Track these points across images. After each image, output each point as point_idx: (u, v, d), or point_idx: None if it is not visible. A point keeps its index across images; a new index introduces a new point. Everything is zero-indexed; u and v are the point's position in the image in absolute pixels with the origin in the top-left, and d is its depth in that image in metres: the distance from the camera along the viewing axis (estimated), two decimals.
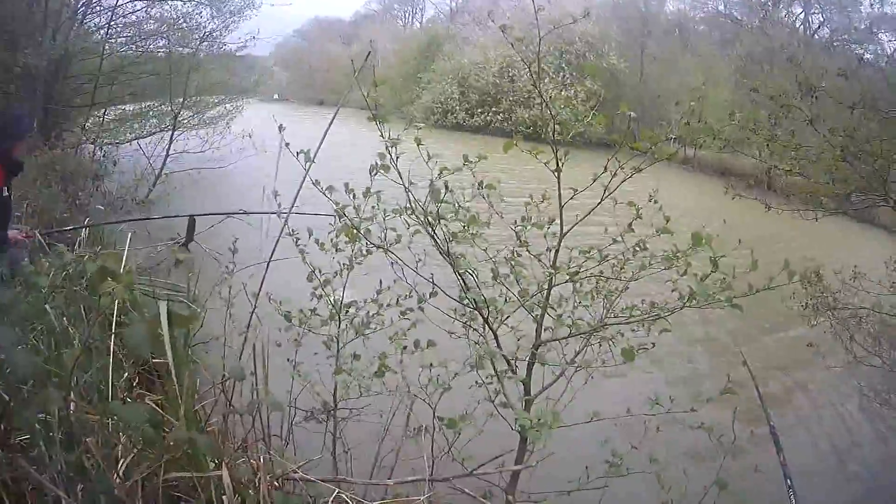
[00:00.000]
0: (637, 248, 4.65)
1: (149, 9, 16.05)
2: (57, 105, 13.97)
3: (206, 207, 9.60)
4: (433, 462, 4.83)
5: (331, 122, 5.07)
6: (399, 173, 4.40)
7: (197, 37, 16.34)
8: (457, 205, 4.42)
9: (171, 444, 2.85)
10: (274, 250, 5.29)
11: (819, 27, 45.94)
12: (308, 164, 4.76)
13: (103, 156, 14.12)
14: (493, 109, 47.51)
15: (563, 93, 41.29)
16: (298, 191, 4.98)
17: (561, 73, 43.60)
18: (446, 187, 4.33)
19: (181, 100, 15.19)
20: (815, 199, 8.15)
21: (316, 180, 4.75)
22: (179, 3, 16.28)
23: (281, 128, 5.07)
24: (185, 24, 16.31)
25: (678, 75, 43.62)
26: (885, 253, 9.74)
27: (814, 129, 7.39)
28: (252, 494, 3.23)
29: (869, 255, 13.87)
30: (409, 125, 4.57)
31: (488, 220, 4.70)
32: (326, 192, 4.74)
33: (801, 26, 46.07)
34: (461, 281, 4.51)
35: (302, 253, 5.41)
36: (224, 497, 2.82)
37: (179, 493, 2.91)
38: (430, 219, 4.31)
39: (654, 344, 4.67)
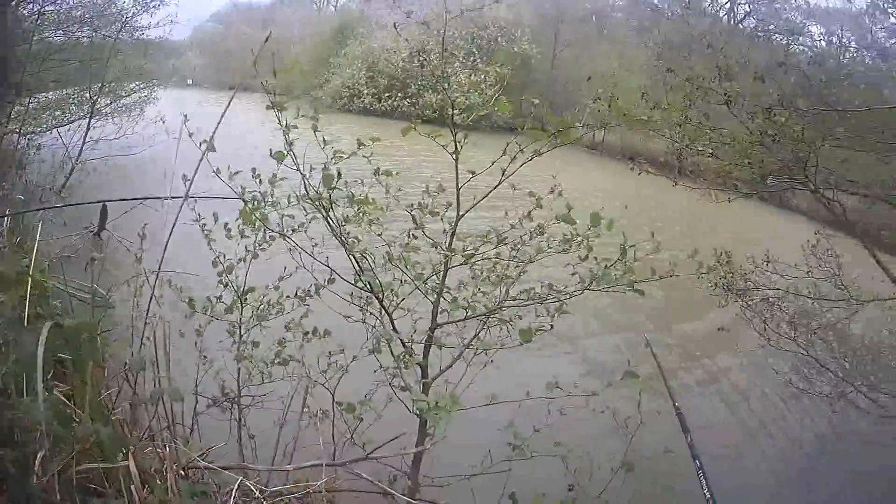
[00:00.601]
0: (536, 233, 4.63)
1: None
2: None
3: (122, 195, 9.46)
4: (334, 447, 4.83)
5: (225, 109, 4.98)
6: (295, 159, 4.37)
7: (119, 22, 15.94)
8: (349, 189, 4.37)
9: (80, 435, 2.81)
10: (169, 237, 5.16)
11: (745, 17, 46.52)
12: (206, 150, 4.66)
13: (27, 144, 13.72)
14: (401, 94, 47.48)
15: (472, 77, 41.45)
16: (193, 177, 4.87)
17: (472, 58, 43.77)
18: (339, 175, 4.35)
19: (99, 86, 14.86)
20: (727, 181, 8.22)
21: (217, 168, 4.73)
22: None
23: (186, 117, 4.96)
24: (108, 11, 15.88)
25: (592, 62, 44.09)
26: (802, 237, 9.87)
27: (731, 112, 7.44)
28: (160, 484, 3.18)
29: (786, 240, 14.14)
30: (308, 111, 4.49)
31: (385, 206, 4.74)
32: (232, 177, 4.78)
33: (726, 16, 46.60)
34: (356, 265, 4.47)
35: (208, 239, 5.37)
36: (132, 487, 2.77)
37: (94, 485, 2.86)
38: (323, 203, 4.24)
39: (552, 325, 4.70)
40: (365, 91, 48.67)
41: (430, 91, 43.64)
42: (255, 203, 4.61)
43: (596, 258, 4.48)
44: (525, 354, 4.96)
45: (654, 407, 7.73)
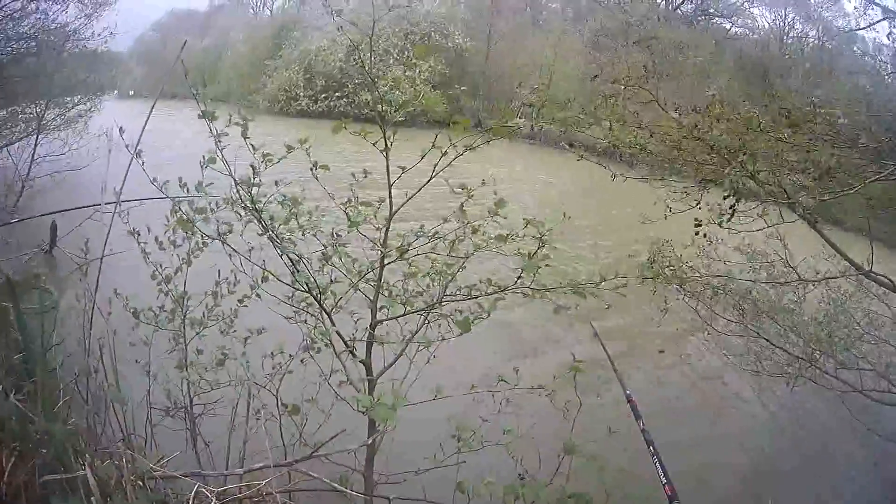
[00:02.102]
0: (471, 229, 4.65)
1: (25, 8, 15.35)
2: None
3: (73, 212, 9.29)
4: (285, 448, 4.87)
5: (148, 117, 5.01)
6: (226, 164, 4.37)
7: (62, 34, 15.76)
8: (281, 192, 4.41)
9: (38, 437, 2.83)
10: (104, 249, 5.16)
11: (683, 2, 46.56)
12: (131, 160, 4.73)
13: None
14: (337, 94, 47.41)
15: (406, 73, 41.53)
16: (122, 186, 4.88)
17: (405, 54, 43.77)
18: (252, 182, 4.37)
19: (45, 102, 14.67)
20: (662, 171, 8.24)
21: (155, 178, 4.76)
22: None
23: (121, 130, 4.96)
24: (54, 25, 15.68)
25: (526, 53, 44.29)
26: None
27: (662, 109, 7.46)
28: (118, 494, 3.20)
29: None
30: (243, 117, 4.47)
31: (314, 209, 4.74)
32: (163, 186, 4.74)
33: (663, 1, 46.61)
34: (292, 265, 4.47)
35: (142, 250, 5.45)
36: (92, 498, 2.80)
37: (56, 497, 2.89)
38: (255, 205, 4.27)
39: (488, 314, 4.71)
40: (301, 93, 48.49)
41: (365, 89, 43.74)
42: (183, 209, 4.68)
43: (519, 251, 4.48)
44: (471, 347, 4.99)
45: (607, 395, 7.84)
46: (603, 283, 4.32)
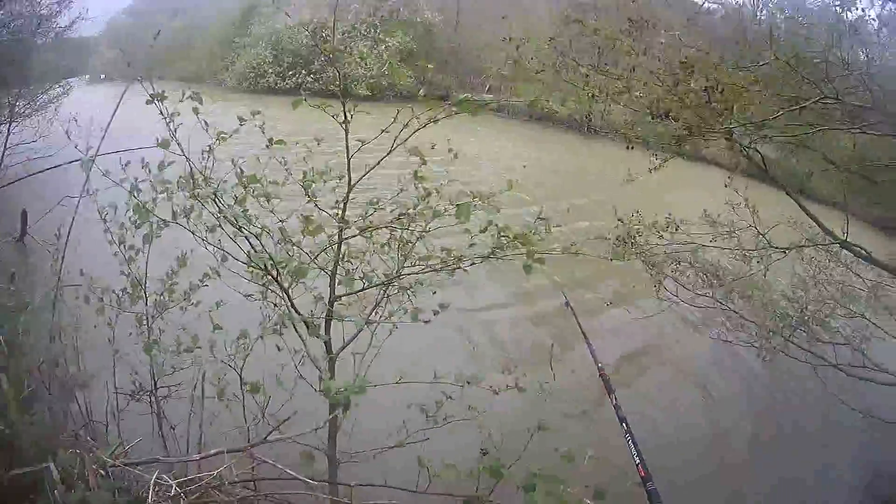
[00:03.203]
0: (428, 191, 4.63)
1: None
2: None
3: (45, 198, 9.18)
4: (248, 430, 4.82)
5: (119, 101, 4.96)
6: (179, 145, 4.39)
7: (35, 22, 15.54)
8: (239, 169, 4.38)
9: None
10: (70, 232, 5.11)
11: None
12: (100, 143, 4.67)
13: None
14: (304, 71, 47.13)
15: (374, 49, 41.38)
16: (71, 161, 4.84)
17: (375, 30, 43.54)
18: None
19: (17, 90, 14.45)
20: (635, 135, 8.15)
21: (127, 161, 4.78)
22: None
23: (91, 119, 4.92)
24: (27, 12, 15.46)
25: (497, 26, 44.09)
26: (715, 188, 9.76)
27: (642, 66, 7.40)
28: (80, 485, 3.15)
29: (701, 190, 14.18)
30: (212, 97, 4.44)
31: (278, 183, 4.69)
32: (125, 168, 4.75)
33: None
34: (248, 244, 4.49)
35: (110, 234, 5.35)
36: (56, 491, 2.74)
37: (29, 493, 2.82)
38: (208, 185, 4.24)
39: (447, 306, 4.81)
40: (269, 70, 48.21)
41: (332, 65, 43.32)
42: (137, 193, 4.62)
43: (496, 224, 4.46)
44: (436, 321, 4.91)
45: (578, 372, 7.81)
46: (559, 248, 4.31)
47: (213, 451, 4.26)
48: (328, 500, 4.53)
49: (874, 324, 8.59)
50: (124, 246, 5.31)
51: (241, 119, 4.48)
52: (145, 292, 5.27)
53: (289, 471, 4.21)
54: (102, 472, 3.57)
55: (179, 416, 5.53)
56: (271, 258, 4.52)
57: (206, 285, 5.25)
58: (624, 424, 5.93)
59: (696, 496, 7.58)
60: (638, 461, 5.58)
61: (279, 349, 4.90)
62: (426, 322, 4.61)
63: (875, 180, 7.90)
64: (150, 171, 4.71)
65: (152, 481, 3.66)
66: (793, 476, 8.23)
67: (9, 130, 13.05)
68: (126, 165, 4.75)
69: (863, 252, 7.58)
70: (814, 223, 7.68)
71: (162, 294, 5.36)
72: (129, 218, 5.10)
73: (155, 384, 5.45)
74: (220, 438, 4.98)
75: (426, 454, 4.59)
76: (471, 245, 4.57)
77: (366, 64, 4.24)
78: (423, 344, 6.55)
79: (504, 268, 4.65)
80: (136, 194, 4.64)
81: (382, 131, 4.38)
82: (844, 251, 8.15)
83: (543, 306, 11.81)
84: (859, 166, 7.79)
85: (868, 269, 8.90)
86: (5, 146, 13.03)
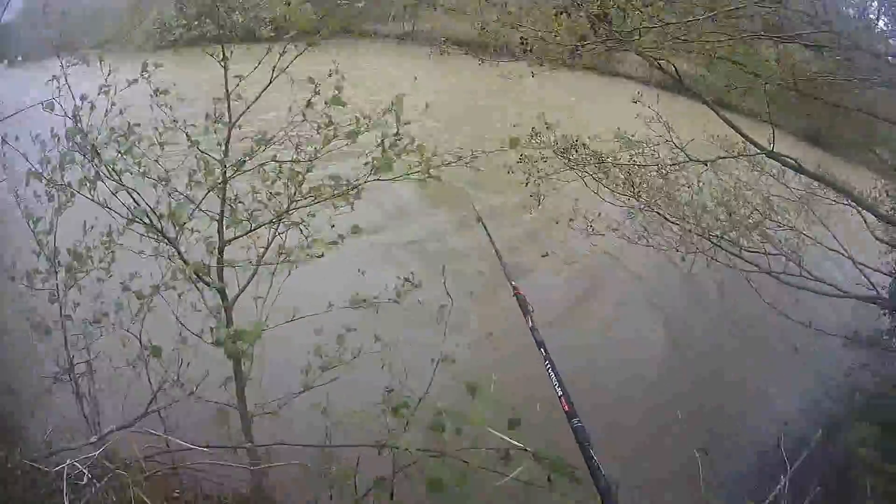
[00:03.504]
0: (322, 125, 4.56)
1: None
2: None
3: None
4: (154, 395, 4.70)
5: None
6: (62, 107, 4.40)
7: None
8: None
9: None
10: None
11: None
12: None
13: None
14: (207, 20, 46.51)
15: None
16: None
17: None
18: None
19: None
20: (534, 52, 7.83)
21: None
22: None
23: None
24: None
25: None
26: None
27: None
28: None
29: (615, 104, 13.92)
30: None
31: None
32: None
33: None
34: (131, 197, 4.44)
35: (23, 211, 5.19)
36: None
37: None
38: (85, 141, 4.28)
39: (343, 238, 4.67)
40: (174, 23, 47.78)
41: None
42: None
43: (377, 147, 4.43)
44: (335, 255, 4.73)
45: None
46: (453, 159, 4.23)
47: (106, 430, 4.13)
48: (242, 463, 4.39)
49: (806, 235, 8.55)
50: (32, 220, 5.16)
51: (144, 67, 4.49)
52: (54, 265, 5.13)
53: (181, 441, 3.88)
54: (19, 470, 3.37)
55: (102, 389, 5.39)
56: (152, 210, 4.41)
57: (113, 251, 5.09)
58: (542, 350, 5.23)
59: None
60: (560, 393, 4.97)
61: (168, 303, 4.78)
62: (319, 256, 4.48)
63: (802, 91, 7.73)
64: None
65: (65, 472, 3.48)
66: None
67: None
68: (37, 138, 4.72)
69: (791, 161, 7.45)
70: (738, 136, 7.55)
71: (70, 268, 5.20)
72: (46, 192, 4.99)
73: (71, 361, 5.29)
74: (136, 410, 4.84)
75: (337, 397, 4.60)
76: (365, 164, 4.47)
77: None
78: (330, 282, 6.38)
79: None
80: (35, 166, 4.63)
81: (259, 63, 4.42)
82: (770, 162, 8.12)
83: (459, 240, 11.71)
84: (783, 78, 7.64)
85: (797, 180, 8.86)
86: None
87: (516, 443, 3.04)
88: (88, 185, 4.56)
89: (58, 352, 5.31)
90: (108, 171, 4.36)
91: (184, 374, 4.79)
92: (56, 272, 5.19)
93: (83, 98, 4.43)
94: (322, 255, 4.42)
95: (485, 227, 5.35)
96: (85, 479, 3.50)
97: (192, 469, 4.18)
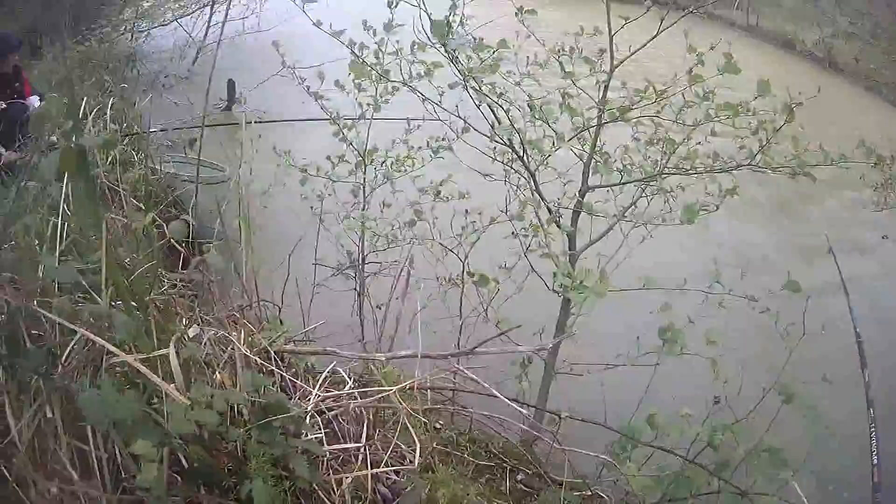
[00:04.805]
0: (705, 95, 3.95)
1: None
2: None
3: (253, 72, 8.99)
4: (461, 320, 4.33)
5: None
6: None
7: None
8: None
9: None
10: None
11: None
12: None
13: (142, 41, 13.52)
14: None
15: None
16: None
17: None
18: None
19: None
20: None
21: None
22: None
23: None
24: None
25: None
26: None
27: None
28: (214, 372, 2.61)
29: None
30: None
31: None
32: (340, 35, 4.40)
33: None
34: (493, 114, 4.11)
35: (321, 103, 5.01)
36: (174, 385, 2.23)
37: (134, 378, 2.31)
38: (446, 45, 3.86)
39: (717, 206, 4.19)
40: None
41: None
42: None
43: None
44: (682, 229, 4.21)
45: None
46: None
47: (402, 353, 3.58)
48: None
49: None
50: (336, 113, 4.98)
51: None
52: (364, 160, 4.87)
53: (492, 389, 3.38)
54: (258, 359, 3.00)
55: (380, 299, 5.10)
56: (518, 133, 4.00)
57: (441, 157, 4.79)
58: (870, 410, 4.71)
59: None
60: (875, 461, 4.40)
61: (523, 232, 4.42)
62: (689, 223, 3.94)
63: None
64: (374, 34, 4.35)
65: (325, 373, 3.11)
66: None
67: (212, 8, 13.07)
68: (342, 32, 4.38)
69: None
70: None
71: (382, 164, 5.03)
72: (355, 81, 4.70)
73: (363, 258, 5.04)
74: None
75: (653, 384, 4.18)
76: (740, 148, 4.06)
77: None
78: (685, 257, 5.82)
79: None
80: (359, 54, 4.35)
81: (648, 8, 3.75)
82: None
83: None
84: None
85: None
86: (209, 23, 13.07)
87: None
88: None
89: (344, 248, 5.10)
90: (475, 79, 3.96)
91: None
92: (365, 166, 4.99)
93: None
94: (692, 222, 3.89)
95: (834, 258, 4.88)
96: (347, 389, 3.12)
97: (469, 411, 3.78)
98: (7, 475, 2.18)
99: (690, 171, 4.11)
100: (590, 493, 3.56)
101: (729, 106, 3.85)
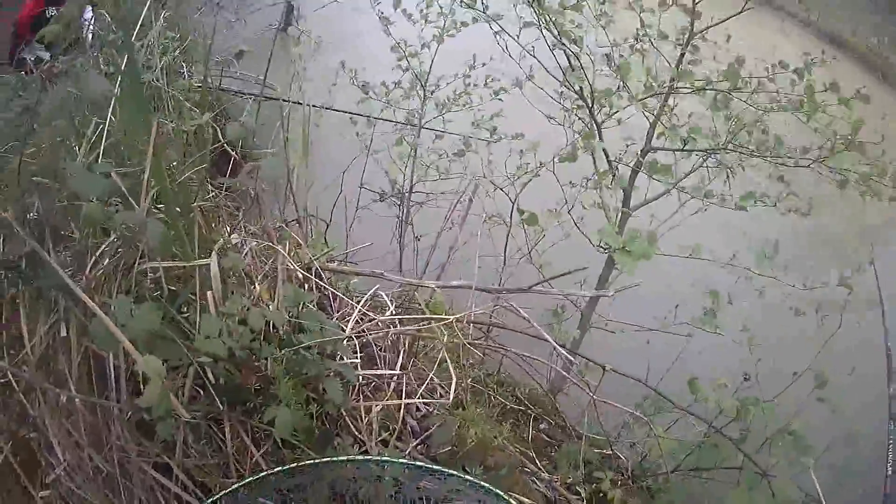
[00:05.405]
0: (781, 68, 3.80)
1: None
2: None
3: None
4: (505, 259, 4.39)
5: None
6: None
7: None
8: None
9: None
10: None
11: None
12: None
13: None
14: None
15: None
16: None
17: None
18: None
19: None
20: None
21: None
22: None
23: None
24: None
25: None
26: None
27: None
28: (253, 285, 2.54)
29: None
30: None
31: None
32: None
33: None
34: (567, 59, 3.94)
35: (386, 26, 4.87)
36: (210, 293, 2.15)
37: (170, 286, 2.23)
38: None
39: (775, 203, 4.07)
40: None
41: None
42: None
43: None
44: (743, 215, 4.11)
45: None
46: None
47: (454, 283, 3.65)
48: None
49: None
50: (404, 42, 4.83)
51: None
52: (424, 88, 4.76)
53: (540, 329, 3.37)
54: (300, 274, 2.96)
55: (423, 229, 5.10)
56: (589, 81, 3.88)
57: (500, 99, 4.67)
58: (891, 423, 4.62)
59: None
60: (890, 472, 4.38)
61: (572, 184, 4.36)
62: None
63: None
64: None
65: (368, 294, 3.09)
66: None
67: None
68: None
69: None
70: None
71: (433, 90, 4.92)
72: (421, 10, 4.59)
73: (411, 187, 4.98)
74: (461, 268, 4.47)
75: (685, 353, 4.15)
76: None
77: None
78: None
79: None
80: None
81: None
82: None
83: None
84: None
85: None
86: None
87: None
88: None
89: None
90: (545, 19, 3.85)
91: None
92: (424, 95, 4.89)
93: None
94: (745, 209, 3.87)
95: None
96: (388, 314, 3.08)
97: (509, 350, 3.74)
98: (15, 386, 2.18)
99: (754, 154, 3.94)
100: (609, 452, 3.54)
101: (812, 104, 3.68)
